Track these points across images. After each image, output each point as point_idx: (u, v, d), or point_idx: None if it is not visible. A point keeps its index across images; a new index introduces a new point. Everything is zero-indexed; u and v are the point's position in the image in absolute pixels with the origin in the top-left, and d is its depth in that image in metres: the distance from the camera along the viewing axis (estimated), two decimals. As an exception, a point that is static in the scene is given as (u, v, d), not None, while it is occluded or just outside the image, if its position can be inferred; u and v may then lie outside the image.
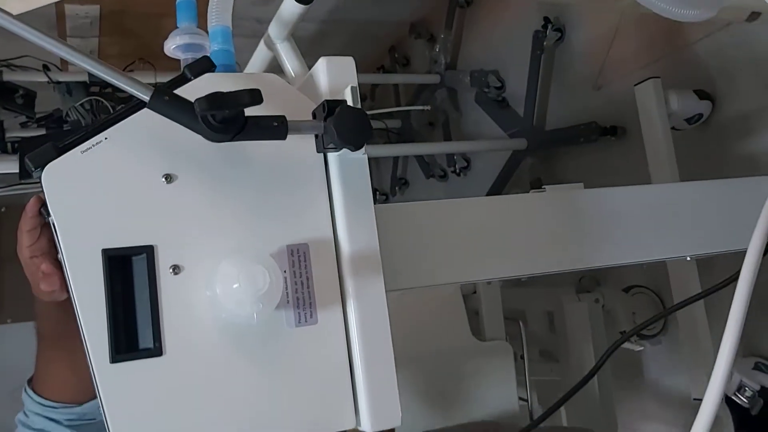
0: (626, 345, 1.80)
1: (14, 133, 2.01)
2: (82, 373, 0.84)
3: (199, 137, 0.60)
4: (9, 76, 2.07)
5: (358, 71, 0.67)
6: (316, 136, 0.65)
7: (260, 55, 0.91)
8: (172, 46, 0.80)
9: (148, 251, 0.61)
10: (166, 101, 0.58)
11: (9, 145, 1.94)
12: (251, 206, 0.65)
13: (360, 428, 0.65)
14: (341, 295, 0.66)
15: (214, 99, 0.55)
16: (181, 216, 0.63)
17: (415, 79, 2.79)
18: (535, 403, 1.89)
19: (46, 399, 0.88)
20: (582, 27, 1.98)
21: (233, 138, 0.59)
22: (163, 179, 0.63)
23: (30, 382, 0.90)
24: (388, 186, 3.23)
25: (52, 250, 0.75)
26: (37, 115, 2.09)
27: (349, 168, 0.68)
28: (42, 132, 2.13)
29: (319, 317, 0.65)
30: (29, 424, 0.88)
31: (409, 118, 2.88)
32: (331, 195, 0.68)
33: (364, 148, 0.68)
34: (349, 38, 2.79)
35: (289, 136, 0.62)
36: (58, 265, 0.74)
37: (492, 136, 2.34)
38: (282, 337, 0.63)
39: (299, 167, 0.67)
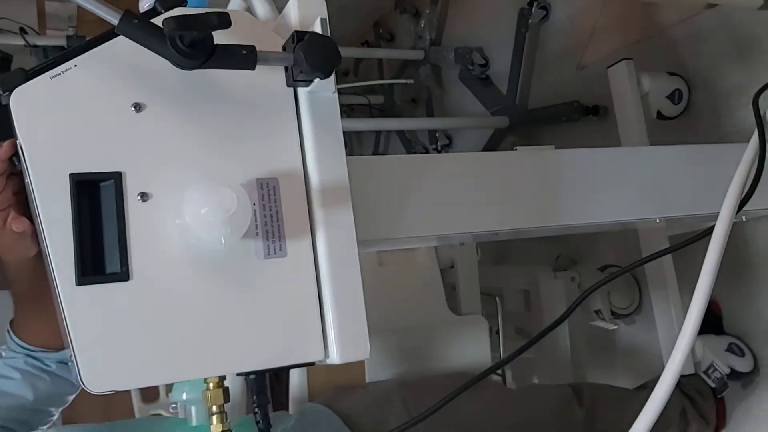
0: (600, 324, 1.82)
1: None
2: (59, 325, 0.85)
3: (169, 68, 0.60)
4: (-16, 39, 2.04)
5: (340, 45, 0.67)
6: (286, 69, 0.66)
7: (234, 5, 0.91)
8: (145, 4, 0.80)
9: (116, 177, 0.61)
10: (135, 24, 0.58)
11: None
12: (220, 138, 0.65)
13: (328, 361, 0.66)
14: (311, 229, 0.67)
15: (183, 20, 0.55)
16: (150, 145, 0.63)
17: (400, 54, 2.79)
18: (509, 379, 1.91)
19: (26, 344, 0.89)
20: (567, 5, 1.99)
21: (202, 65, 0.59)
22: (132, 108, 0.63)
23: (11, 324, 0.91)
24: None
25: (17, 204, 0.75)
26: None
27: (319, 104, 0.68)
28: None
29: (288, 250, 0.65)
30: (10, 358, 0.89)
31: (392, 95, 2.88)
32: (302, 131, 0.68)
33: (334, 86, 0.69)
34: (332, 12, 2.76)
35: (258, 69, 0.62)
36: (27, 215, 0.74)
37: (475, 114, 2.35)
38: (251, 268, 0.64)
39: (269, 102, 0.68)
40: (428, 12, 2.59)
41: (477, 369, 1.41)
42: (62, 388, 0.92)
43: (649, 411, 0.65)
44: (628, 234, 1.66)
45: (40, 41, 2.15)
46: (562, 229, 1.14)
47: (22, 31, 2.14)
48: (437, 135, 2.61)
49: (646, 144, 1.52)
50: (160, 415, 2.75)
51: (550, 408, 1.30)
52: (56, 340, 0.88)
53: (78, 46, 0.63)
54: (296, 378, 1.29)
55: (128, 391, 2.75)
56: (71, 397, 0.95)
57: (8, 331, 0.91)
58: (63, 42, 2.13)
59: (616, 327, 1.86)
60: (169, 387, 2.83)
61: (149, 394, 2.80)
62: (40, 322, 0.87)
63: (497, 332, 1.71)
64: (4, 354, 0.91)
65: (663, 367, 1.58)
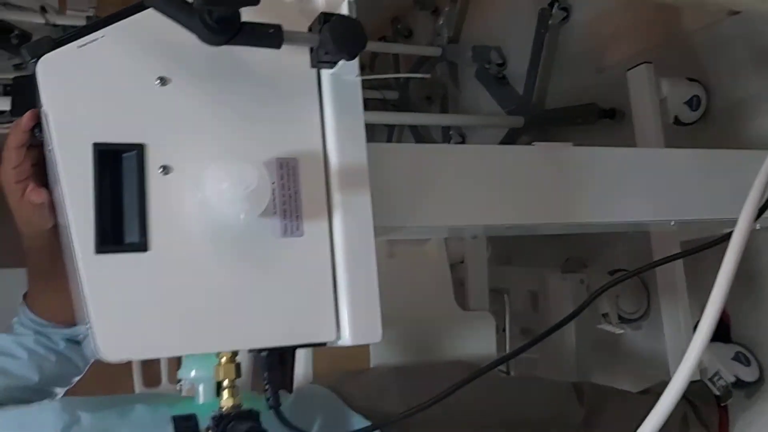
0: (606, 327, 1.82)
1: (7, 75, 1.99)
2: (71, 300, 0.86)
3: (196, 43, 0.60)
4: (5, 15, 2.05)
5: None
6: (311, 50, 0.66)
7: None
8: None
9: (139, 149, 0.61)
10: (166, -2, 0.58)
11: (1, 87, 1.92)
12: (243, 115, 0.66)
13: (340, 342, 0.66)
14: (328, 211, 0.67)
15: (213, -6, 0.56)
16: (174, 119, 0.63)
17: (417, 50, 2.78)
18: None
19: (38, 317, 0.89)
20: (588, 7, 1.99)
21: (228, 41, 0.59)
22: (158, 81, 0.63)
23: (25, 297, 0.91)
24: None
25: (36, 175, 0.75)
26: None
27: (342, 87, 0.69)
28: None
29: (305, 230, 0.66)
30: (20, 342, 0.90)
31: (407, 91, 2.88)
32: (323, 113, 0.69)
33: (357, 70, 0.69)
34: (352, 5, 2.77)
35: (283, 49, 0.63)
36: (46, 187, 0.74)
37: (489, 113, 2.35)
38: (268, 246, 0.64)
39: (292, 82, 0.68)
40: (447, 9, 2.59)
41: (481, 364, 1.41)
42: (68, 369, 0.93)
43: (655, 417, 0.64)
44: (639, 238, 1.66)
45: (60, 20, 2.15)
46: (575, 227, 1.14)
47: (43, 9, 2.15)
48: (450, 132, 2.61)
49: (661, 144, 1.52)
50: (161, 397, 2.77)
51: (548, 401, 1.30)
52: (67, 315, 0.88)
53: (107, 17, 0.63)
54: (301, 363, 1.29)
55: (131, 375, 2.77)
56: (76, 379, 0.96)
57: (21, 304, 0.91)
58: (83, 21, 2.14)
59: (622, 331, 1.86)
60: (171, 371, 2.85)
61: (151, 378, 2.81)
62: (52, 295, 0.88)
63: (503, 330, 1.71)
64: (15, 329, 0.92)
65: (668, 374, 1.58)
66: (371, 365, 1.32)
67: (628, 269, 1.82)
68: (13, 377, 0.88)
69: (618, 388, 1.48)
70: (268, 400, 0.66)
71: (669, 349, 1.57)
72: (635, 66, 1.59)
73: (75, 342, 0.92)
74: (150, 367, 2.81)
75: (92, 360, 0.96)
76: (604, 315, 1.80)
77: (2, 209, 0.81)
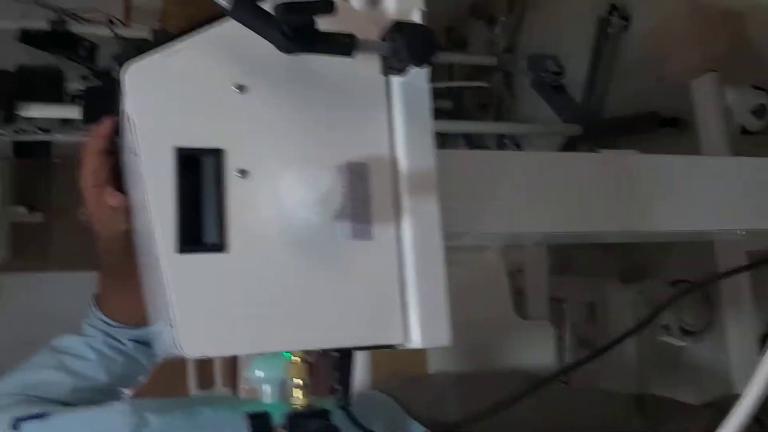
0: (668, 339, 1.78)
1: (75, 85, 2.07)
2: (142, 301, 0.89)
3: (273, 52, 0.62)
4: (75, 28, 2.13)
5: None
6: (382, 58, 0.68)
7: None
8: None
9: (218, 154, 0.64)
10: (245, 9, 0.60)
11: (69, 97, 2.00)
12: (316, 121, 0.68)
13: (408, 345, 0.67)
14: (396, 214, 0.69)
15: (291, 4, 0.58)
16: (251, 125, 0.66)
17: (472, 59, 2.78)
18: (572, 389, 1.88)
19: (108, 317, 0.93)
20: (649, 15, 1.96)
21: (304, 49, 0.61)
22: (236, 89, 0.66)
23: (95, 298, 0.95)
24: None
25: (114, 180, 0.78)
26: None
27: (411, 94, 0.70)
28: (102, 87, 2.19)
29: (374, 233, 0.67)
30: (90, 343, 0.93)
31: (461, 100, 2.88)
32: (392, 118, 0.70)
33: (427, 78, 0.71)
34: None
35: (356, 57, 0.64)
36: (122, 192, 0.78)
37: (546, 122, 2.34)
38: (339, 249, 0.66)
39: (363, 89, 0.70)
40: (503, 19, 2.58)
41: (540, 375, 1.40)
42: (135, 370, 0.96)
43: None
44: (701, 247, 1.62)
45: (126, 33, 2.23)
46: (638, 236, 1.12)
47: (110, 22, 2.23)
48: (505, 141, 2.60)
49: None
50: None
51: (607, 412, 1.28)
52: (136, 316, 0.92)
53: (188, 27, 0.66)
54: (360, 369, 1.30)
55: (185, 377, 2.83)
56: (142, 379, 0.99)
57: (90, 305, 0.95)
58: (148, 34, 2.21)
59: (684, 343, 1.82)
60: (224, 374, 2.89)
61: (205, 380, 2.87)
62: (122, 297, 0.91)
63: (561, 339, 1.70)
64: (85, 330, 0.95)
65: (732, 388, 1.53)
66: (429, 368, 1.32)
67: (689, 279, 1.80)
68: (83, 378, 0.91)
69: (680, 400, 1.45)
70: (339, 400, 0.67)
71: (733, 362, 1.53)
72: (700, 75, 1.56)
73: (142, 343, 0.95)
74: (204, 370, 2.87)
75: (159, 360, 1.00)
76: (665, 326, 1.76)
77: (74, 217, 0.85)
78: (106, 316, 0.93)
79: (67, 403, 0.89)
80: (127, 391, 0.98)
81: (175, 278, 0.61)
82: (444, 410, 1.12)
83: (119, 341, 0.94)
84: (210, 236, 0.62)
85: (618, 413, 1.27)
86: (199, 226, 0.63)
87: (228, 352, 0.63)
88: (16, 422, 0.82)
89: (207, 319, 0.61)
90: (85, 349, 0.92)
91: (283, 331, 0.63)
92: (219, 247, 0.62)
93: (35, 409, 0.84)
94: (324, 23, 0.61)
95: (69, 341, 0.94)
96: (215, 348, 0.62)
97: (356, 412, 1.03)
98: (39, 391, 0.89)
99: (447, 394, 1.19)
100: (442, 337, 0.67)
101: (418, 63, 0.63)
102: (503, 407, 0.75)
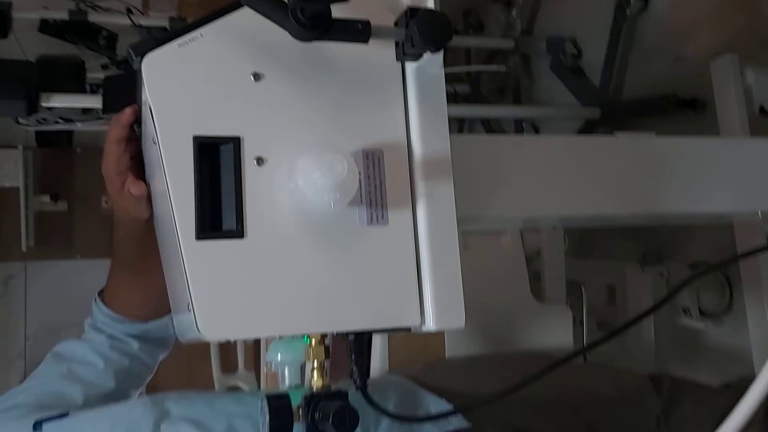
0: (687, 322, 1.77)
1: (95, 74, 2.09)
2: (150, 293, 0.89)
3: (288, 40, 0.63)
4: (94, 17, 2.15)
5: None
6: (397, 44, 0.68)
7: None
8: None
9: (235, 142, 0.65)
10: (260, -4, 0.61)
11: (89, 86, 2.02)
12: (332, 109, 0.68)
13: (424, 328, 0.68)
14: (412, 200, 0.69)
15: (306, -8, 0.58)
16: (267, 112, 0.67)
17: (489, 43, 2.76)
18: (591, 371, 1.88)
19: (114, 312, 0.93)
20: (667, -3, 1.94)
21: (319, 37, 0.62)
22: (252, 77, 0.67)
23: (101, 293, 0.95)
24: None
25: (134, 168, 0.80)
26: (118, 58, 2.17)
27: (426, 79, 0.71)
28: (122, 75, 2.20)
29: (390, 218, 0.68)
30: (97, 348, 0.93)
31: (478, 84, 2.87)
32: (407, 104, 0.71)
33: (441, 63, 0.71)
34: (423, 1, 2.78)
35: (370, 45, 0.65)
36: (142, 180, 0.79)
37: (564, 105, 2.32)
38: (355, 233, 0.67)
39: (378, 76, 0.70)
40: (521, 1, 2.56)
41: (555, 355, 1.40)
42: (141, 371, 0.97)
43: (739, 414, 0.63)
44: (720, 230, 1.62)
45: (144, 21, 2.24)
46: (657, 219, 1.12)
47: (129, 11, 2.24)
48: (523, 125, 2.59)
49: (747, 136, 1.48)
50: (238, 387, 2.86)
51: (622, 388, 1.28)
52: (143, 309, 0.93)
53: (204, 17, 0.67)
54: (377, 356, 1.32)
55: (209, 361, 2.87)
56: (148, 378, 1.00)
57: (95, 301, 0.95)
58: (166, 23, 2.22)
59: (704, 326, 1.81)
60: (247, 358, 2.91)
61: (228, 365, 2.91)
62: (130, 288, 0.92)
63: (580, 322, 1.70)
64: (87, 333, 0.95)
65: (753, 370, 1.53)
66: (446, 351, 1.33)
67: (708, 262, 1.79)
68: (93, 386, 0.92)
69: (697, 382, 1.45)
70: (355, 382, 0.68)
71: (753, 344, 1.52)
72: (719, 55, 1.55)
73: (146, 340, 0.95)
74: (227, 354, 2.91)
75: (163, 358, 1.00)
76: (685, 310, 1.75)
77: (97, 206, 0.86)
78: (112, 310, 0.93)
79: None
80: (135, 393, 0.98)
81: (195, 264, 0.62)
82: (458, 391, 1.13)
83: (125, 342, 0.94)
84: (228, 223, 0.64)
85: (633, 390, 1.27)
86: (218, 213, 0.64)
87: (246, 335, 0.64)
88: (36, 424, 0.83)
89: (225, 303, 0.62)
90: (93, 355, 0.93)
91: (301, 315, 0.64)
92: (237, 233, 0.63)
93: (53, 412, 0.85)
94: (339, 10, 0.62)
95: (74, 348, 0.94)
96: (233, 331, 0.63)
97: (370, 390, 1.04)
98: (52, 402, 0.89)
99: (461, 376, 1.20)
100: (458, 319, 0.68)
101: (433, 48, 0.64)
102: (517, 388, 0.76)
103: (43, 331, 3.02)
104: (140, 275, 0.89)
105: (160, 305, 0.86)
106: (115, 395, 0.93)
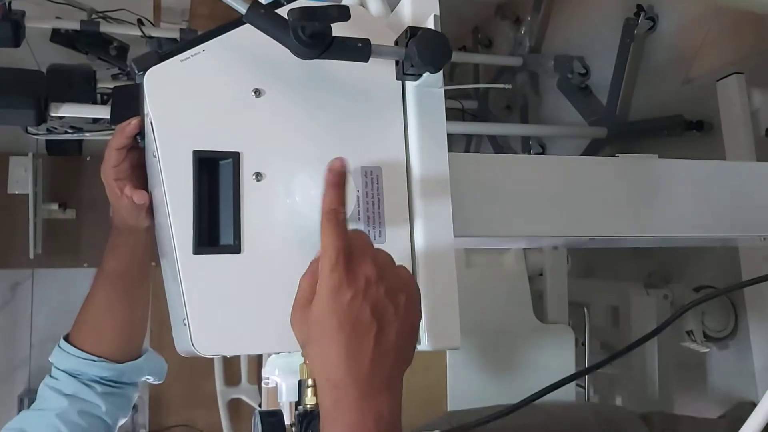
0: (691, 346, 1.76)
1: (105, 84, 2.11)
2: (129, 327, 0.87)
3: (289, 57, 0.64)
4: (105, 28, 2.17)
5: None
6: (397, 63, 0.68)
7: (348, 1, 0.95)
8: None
9: (234, 157, 0.65)
10: (262, 14, 0.62)
11: (99, 96, 2.03)
12: (331, 126, 0.69)
13: (419, 348, 0.68)
14: (410, 218, 0.69)
15: (306, 10, 0.59)
16: (267, 128, 0.67)
17: (497, 60, 2.77)
18: (591, 393, 1.87)
19: (83, 351, 0.88)
20: (676, 16, 1.94)
21: (320, 54, 0.62)
22: (253, 93, 0.67)
23: (66, 337, 0.90)
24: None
25: (134, 176, 0.80)
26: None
27: (426, 98, 0.71)
28: (134, 85, 2.21)
29: (387, 236, 0.68)
30: (59, 388, 0.87)
31: (486, 101, 2.88)
32: (407, 123, 0.71)
33: (441, 82, 0.71)
34: (432, 15, 2.79)
35: (370, 63, 0.65)
36: (144, 189, 0.79)
37: (571, 124, 2.32)
38: (351, 251, 0.66)
39: (378, 94, 0.71)
40: (529, 19, 2.57)
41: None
42: (115, 405, 0.91)
43: None
44: (726, 252, 1.61)
45: (155, 33, 2.26)
46: (659, 241, 1.11)
47: (140, 22, 2.26)
48: (530, 142, 2.59)
49: (753, 158, 1.47)
50: (241, 400, 2.86)
51: (613, 422, 1.26)
52: (115, 347, 0.88)
53: (206, 33, 0.68)
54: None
55: (212, 374, 2.87)
56: (129, 411, 0.95)
57: (59, 345, 0.90)
58: (176, 34, 2.24)
59: (708, 350, 1.80)
60: (250, 371, 2.91)
61: (232, 378, 2.91)
62: (107, 315, 0.88)
63: (583, 344, 1.69)
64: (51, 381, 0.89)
65: (756, 396, 1.51)
66: (449, 376, 1.32)
67: (714, 285, 1.78)
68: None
69: (700, 411, 1.43)
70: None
71: (757, 369, 1.51)
72: (725, 76, 1.55)
73: (114, 388, 0.90)
74: (230, 367, 2.91)
75: (138, 391, 0.96)
76: (689, 333, 1.74)
77: (96, 213, 0.86)
78: (83, 350, 0.88)
79: None
80: (121, 421, 0.93)
81: (191, 278, 0.62)
82: None
83: (86, 384, 0.88)
84: (226, 238, 0.64)
85: (624, 423, 1.26)
86: (216, 228, 0.64)
87: (242, 351, 0.64)
88: None
89: (221, 318, 0.62)
90: (93, 402, 0.87)
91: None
92: (234, 248, 0.63)
93: None
94: (340, 28, 0.62)
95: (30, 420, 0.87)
96: (229, 347, 0.63)
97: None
98: None
99: None
100: (453, 340, 0.67)
101: (432, 69, 0.64)
102: (518, 407, 0.75)
103: (48, 339, 3.03)
104: (123, 300, 0.87)
105: (136, 339, 0.85)
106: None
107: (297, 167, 0.64)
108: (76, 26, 2.14)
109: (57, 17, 2.18)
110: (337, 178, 0.59)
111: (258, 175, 0.65)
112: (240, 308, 0.63)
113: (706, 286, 1.81)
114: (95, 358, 0.87)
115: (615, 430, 1.22)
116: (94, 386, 0.87)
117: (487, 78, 2.87)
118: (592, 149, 2.17)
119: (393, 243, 0.68)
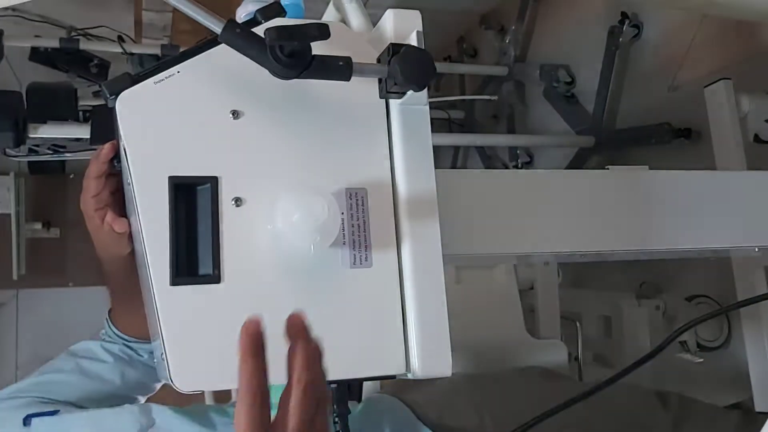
0: (685, 356, 1.74)
1: (87, 102, 2.08)
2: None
3: (268, 77, 0.61)
4: (85, 45, 2.14)
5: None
6: (380, 81, 0.66)
7: (329, 17, 0.93)
8: (243, 14, 0.82)
9: (213, 182, 0.63)
10: (238, 33, 0.59)
11: (81, 113, 2.00)
12: (313, 147, 0.66)
13: (410, 375, 0.65)
14: (396, 240, 0.67)
15: (284, 29, 0.57)
16: (246, 151, 0.64)
17: (483, 70, 2.77)
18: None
19: (123, 333, 0.93)
20: (661, 24, 1.94)
21: (300, 74, 0.60)
22: (231, 115, 0.64)
23: (110, 313, 0.95)
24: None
25: (114, 204, 0.77)
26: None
27: (410, 116, 0.68)
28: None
29: (374, 260, 0.65)
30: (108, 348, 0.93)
31: (473, 110, 2.87)
32: (391, 142, 0.69)
33: (426, 99, 0.69)
34: (417, 27, 2.79)
35: (353, 81, 0.63)
36: (123, 215, 0.77)
37: (558, 133, 2.31)
38: (337, 277, 0.64)
39: (361, 113, 0.68)
40: (514, 28, 2.57)
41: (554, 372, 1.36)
42: (151, 378, 0.96)
43: None
44: (718, 263, 1.59)
45: (136, 49, 2.24)
46: (652, 254, 1.10)
47: (120, 39, 2.24)
48: (518, 152, 2.58)
49: (743, 168, 1.46)
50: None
51: (630, 406, 1.24)
52: (146, 332, 0.91)
53: (181, 53, 0.65)
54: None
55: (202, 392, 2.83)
56: (158, 385, 0.98)
57: (107, 320, 0.95)
58: (158, 51, 2.22)
59: (701, 360, 1.78)
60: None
61: (221, 395, 2.87)
62: (133, 314, 0.90)
63: (576, 358, 1.66)
64: (102, 338, 0.96)
65: (752, 403, 1.49)
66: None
67: (706, 294, 1.76)
68: (97, 380, 0.91)
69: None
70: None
71: (753, 377, 1.49)
72: (713, 82, 1.53)
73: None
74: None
75: None
76: (683, 343, 1.73)
77: (82, 231, 0.84)
78: (120, 331, 0.93)
79: (80, 406, 0.89)
80: (143, 399, 0.97)
81: (169, 311, 0.59)
82: (456, 412, 1.09)
83: (136, 352, 0.94)
84: (205, 267, 0.61)
85: (641, 407, 1.23)
86: (194, 257, 0.62)
87: (222, 386, 0.61)
88: (27, 418, 0.81)
89: (201, 352, 0.59)
90: (103, 352, 0.93)
91: (280, 364, 0.61)
92: (214, 278, 0.61)
93: (47, 409, 0.84)
94: (320, 45, 0.60)
95: (87, 345, 0.95)
96: (208, 382, 0.60)
97: (364, 419, 1.01)
98: (52, 392, 0.88)
99: (459, 395, 1.16)
100: (444, 366, 0.65)
101: (416, 87, 0.62)
102: (544, 417, 0.72)
103: (34, 360, 2.98)
104: (136, 302, 0.87)
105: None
106: (120, 395, 0.92)
107: (278, 191, 0.61)
108: (56, 44, 2.11)
109: (36, 35, 2.16)
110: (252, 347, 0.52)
111: (238, 200, 0.63)
112: (221, 341, 0.60)
113: (699, 295, 1.80)
114: (130, 339, 0.93)
115: (628, 412, 1.20)
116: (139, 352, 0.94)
117: (473, 87, 2.87)
118: (580, 158, 2.16)
119: (380, 267, 0.66)
